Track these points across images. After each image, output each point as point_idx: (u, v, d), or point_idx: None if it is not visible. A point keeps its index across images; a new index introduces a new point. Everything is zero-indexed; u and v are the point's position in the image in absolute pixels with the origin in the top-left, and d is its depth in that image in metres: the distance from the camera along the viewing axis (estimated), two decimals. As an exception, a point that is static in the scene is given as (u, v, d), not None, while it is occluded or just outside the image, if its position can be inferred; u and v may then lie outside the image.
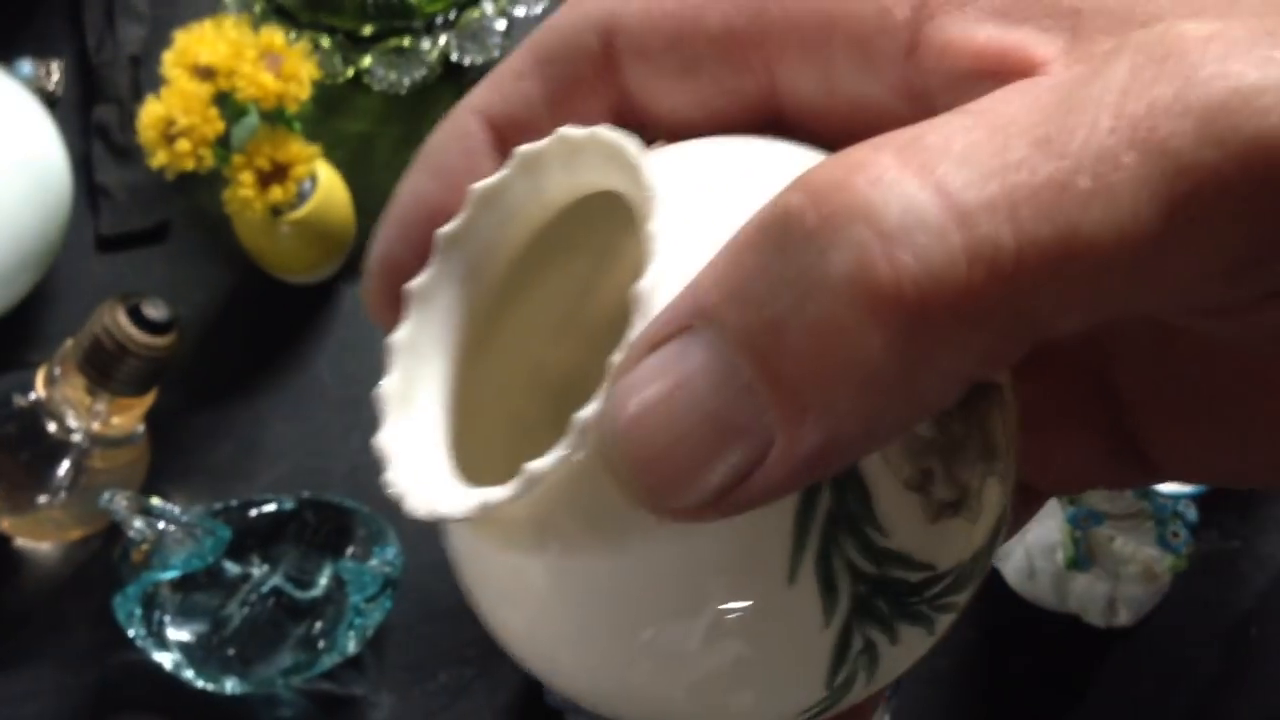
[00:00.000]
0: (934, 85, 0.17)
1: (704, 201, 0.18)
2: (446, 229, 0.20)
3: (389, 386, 0.19)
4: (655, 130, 0.21)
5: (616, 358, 0.17)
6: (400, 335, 0.19)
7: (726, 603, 0.18)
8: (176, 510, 0.53)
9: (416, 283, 0.20)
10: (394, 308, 0.20)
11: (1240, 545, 0.60)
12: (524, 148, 0.19)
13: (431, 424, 0.20)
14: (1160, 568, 0.55)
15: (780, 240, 0.15)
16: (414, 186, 0.21)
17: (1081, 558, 0.55)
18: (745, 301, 0.16)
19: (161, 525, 0.53)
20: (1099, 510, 0.54)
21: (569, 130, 0.19)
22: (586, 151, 0.19)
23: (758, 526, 0.17)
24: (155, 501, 0.54)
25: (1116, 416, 0.23)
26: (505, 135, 0.21)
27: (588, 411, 0.17)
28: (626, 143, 0.18)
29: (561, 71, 0.21)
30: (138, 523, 0.53)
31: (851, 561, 0.18)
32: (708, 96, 0.20)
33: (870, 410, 0.15)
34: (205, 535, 0.54)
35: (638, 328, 0.17)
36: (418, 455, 0.19)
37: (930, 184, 0.15)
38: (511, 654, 0.20)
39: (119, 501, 0.51)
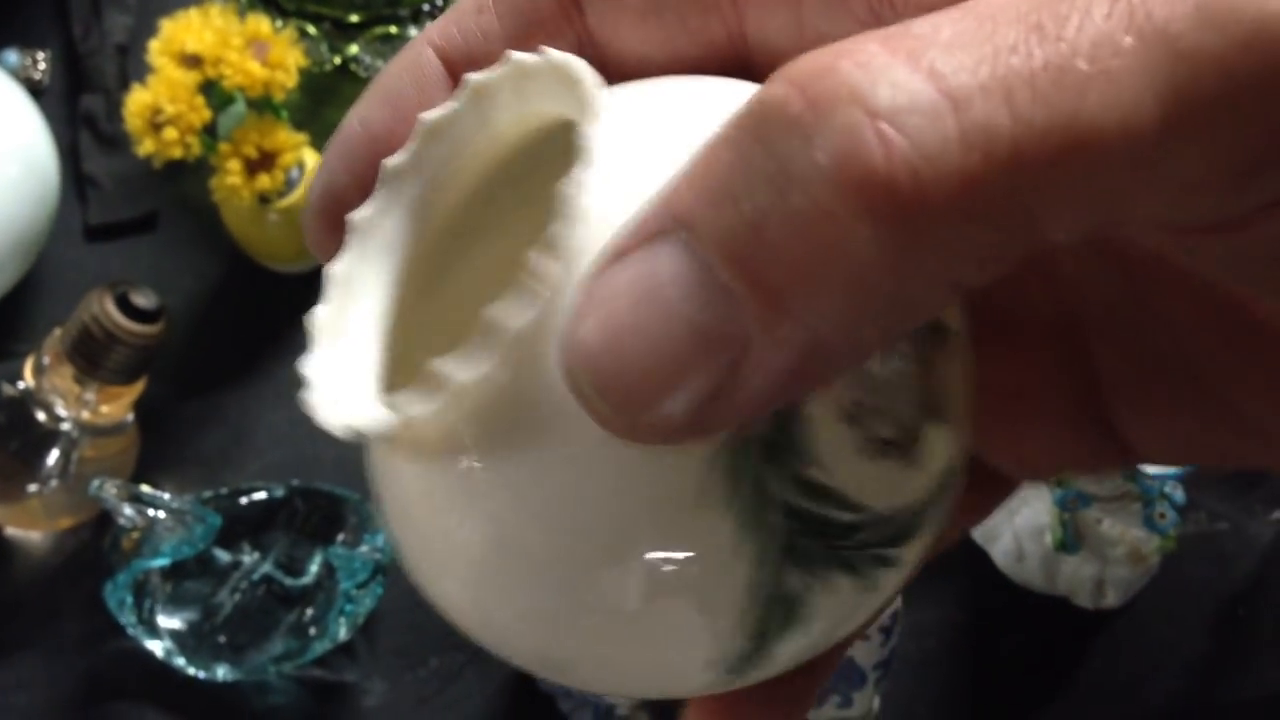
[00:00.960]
0: (908, 18, 0.16)
1: (651, 119, 0.18)
2: (393, 160, 0.19)
3: (321, 316, 0.18)
4: (617, 74, 0.20)
5: (534, 254, 0.16)
6: (339, 266, 0.19)
7: (645, 533, 0.17)
8: (167, 497, 0.53)
9: (359, 214, 0.19)
10: (335, 239, 0.19)
11: (1228, 527, 0.60)
12: (474, 76, 0.18)
13: (363, 355, 0.19)
14: (1148, 549, 0.55)
15: (760, 131, 0.14)
16: (362, 115, 0.20)
17: (1069, 540, 0.55)
18: (722, 199, 0.14)
19: (152, 513, 0.53)
20: (1087, 492, 0.54)
21: (520, 55, 0.18)
22: (538, 76, 0.18)
23: (682, 451, 0.16)
24: (145, 489, 0.54)
25: (1090, 396, 0.23)
26: (460, 70, 0.20)
27: (501, 312, 0.16)
28: (576, 62, 0.17)
29: (522, 7, 0.20)
30: (128, 510, 0.53)
31: (779, 494, 0.17)
32: (672, 36, 0.19)
33: (856, 314, 0.14)
34: (196, 523, 0.54)
35: (558, 229, 0.16)
36: (344, 381, 0.18)
37: (921, 68, 0.14)
38: (423, 588, 0.19)
39: (109, 489, 0.51)
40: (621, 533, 0.17)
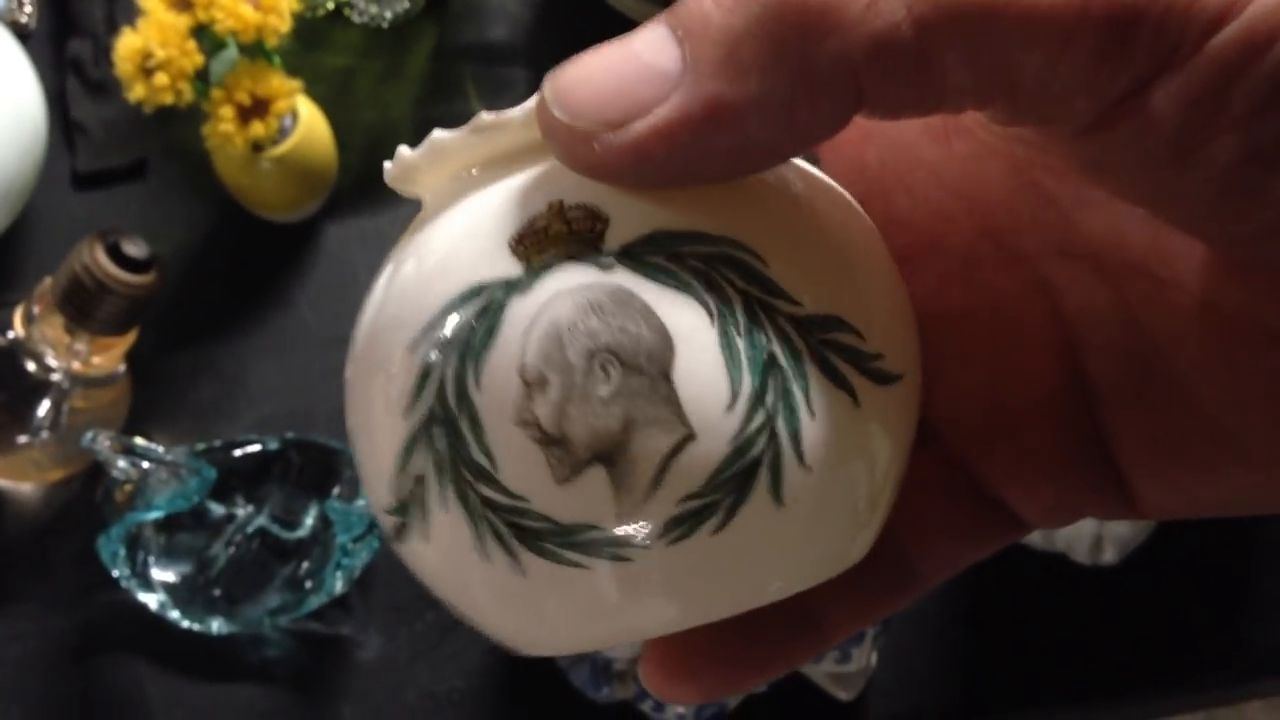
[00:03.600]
0: None
1: None
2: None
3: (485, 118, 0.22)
4: None
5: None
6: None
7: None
8: (161, 450, 0.53)
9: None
10: None
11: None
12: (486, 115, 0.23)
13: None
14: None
15: None
16: None
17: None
18: (696, 4, 0.19)
19: (146, 465, 0.52)
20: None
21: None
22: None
23: None
24: (139, 442, 0.53)
25: (1098, 443, 0.24)
26: None
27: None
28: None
29: None
30: (121, 463, 0.52)
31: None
32: None
33: (765, 83, 0.19)
34: (190, 475, 0.53)
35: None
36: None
37: None
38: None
39: (102, 441, 0.51)
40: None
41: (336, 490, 0.58)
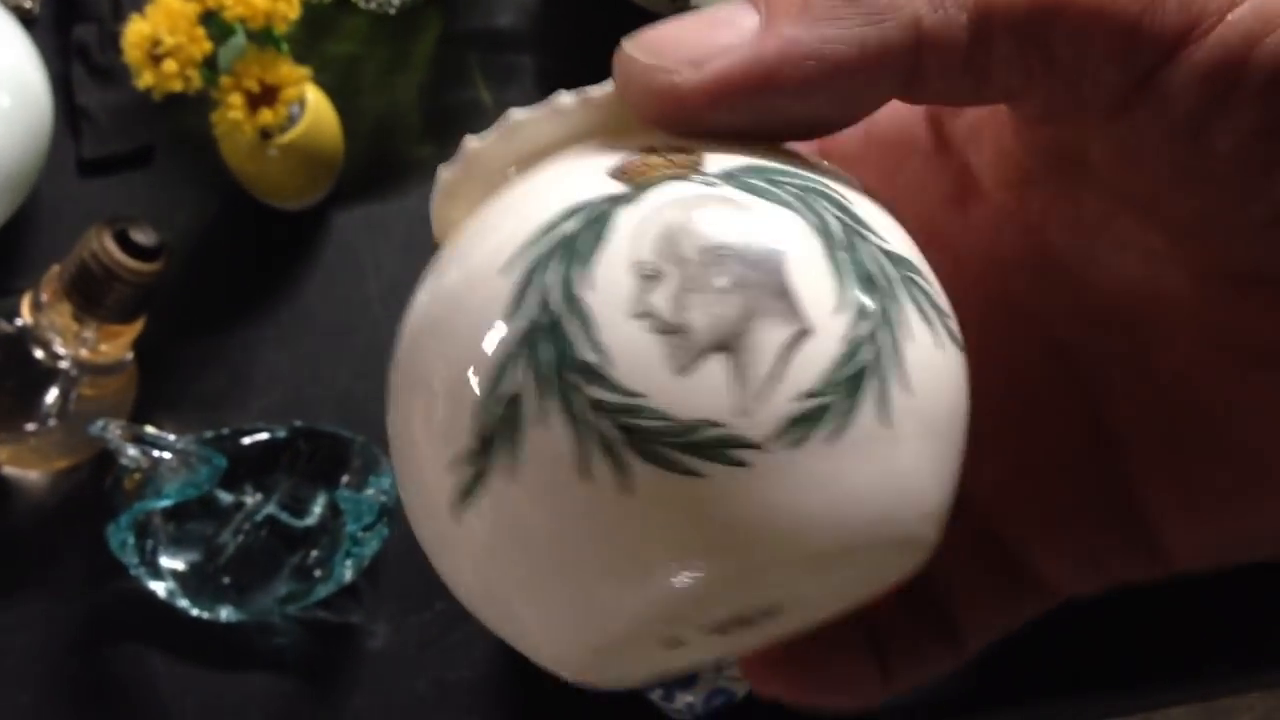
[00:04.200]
0: None
1: None
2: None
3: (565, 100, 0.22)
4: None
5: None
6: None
7: None
8: (171, 438, 0.53)
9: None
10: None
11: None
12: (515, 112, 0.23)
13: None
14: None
15: None
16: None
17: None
18: None
19: (156, 454, 0.52)
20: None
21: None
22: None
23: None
24: (149, 430, 0.53)
25: (1131, 505, 0.24)
26: None
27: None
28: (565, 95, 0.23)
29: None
30: (131, 451, 0.52)
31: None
32: None
33: (836, 28, 0.21)
34: (201, 464, 0.53)
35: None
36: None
37: None
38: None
39: (112, 430, 0.51)
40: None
41: (345, 479, 0.58)
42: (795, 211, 0.20)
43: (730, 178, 0.20)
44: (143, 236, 0.55)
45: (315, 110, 0.62)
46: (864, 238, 0.21)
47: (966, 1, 0.20)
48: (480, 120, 0.68)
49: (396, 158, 0.68)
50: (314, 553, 0.58)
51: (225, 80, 0.57)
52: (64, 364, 0.57)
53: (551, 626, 0.21)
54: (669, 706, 0.55)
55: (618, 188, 0.20)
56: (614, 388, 0.19)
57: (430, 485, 0.20)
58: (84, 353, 0.57)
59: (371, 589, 0.59)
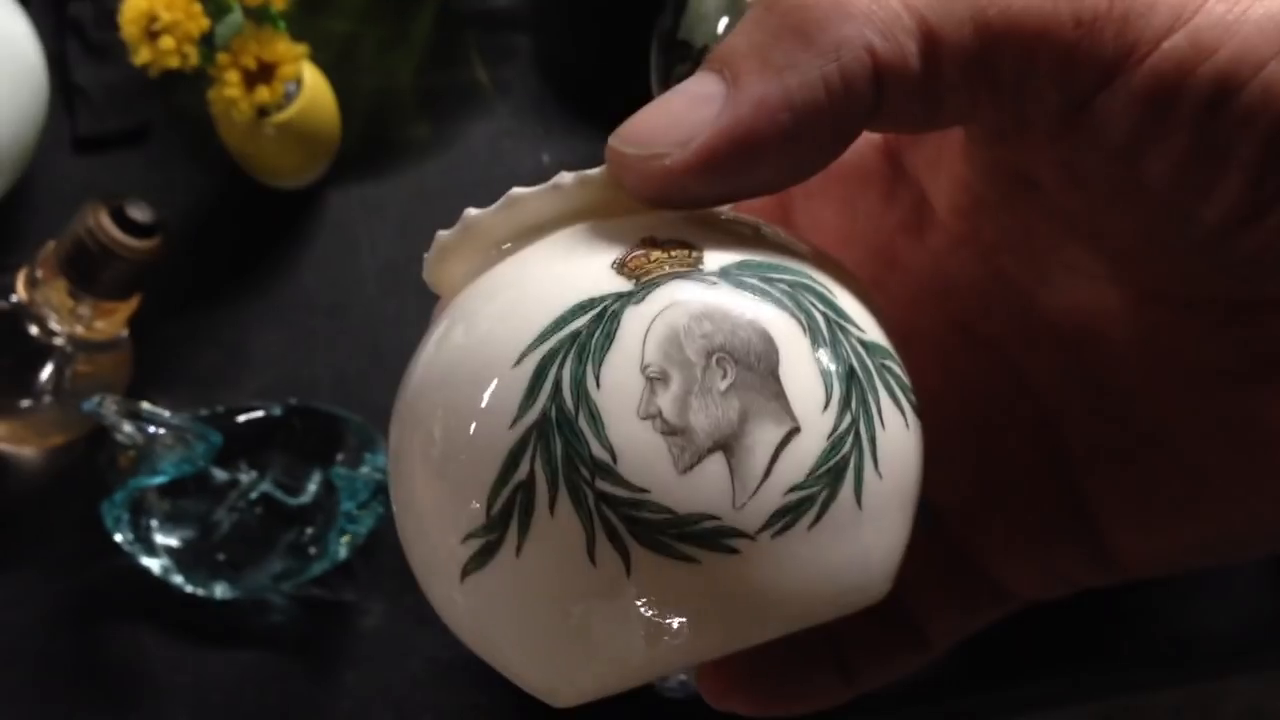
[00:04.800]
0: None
1: None
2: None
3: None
4: None
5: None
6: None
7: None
8: (167, 415, 0.53)
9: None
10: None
11: None
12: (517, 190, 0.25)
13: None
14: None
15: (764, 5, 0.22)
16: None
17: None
18: (740, 38, 0.22)
19: (151, 430, 0.52)
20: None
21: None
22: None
23: None
24: (145, 406, 0.53)
25: (1085, 515, 0.26)
26: None
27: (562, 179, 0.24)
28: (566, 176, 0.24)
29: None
30: (127, 427, 0.52)
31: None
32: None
33: (797, 75, 0.22)
34: (196, 440, 0.53)
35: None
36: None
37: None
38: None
39: (108, 406, 0.50)
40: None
41: (340, 457, 0.58)
42: (787, 311, 0.22)
43: (727, 275, 0.22)
44: (139, 213, 0.55)
45: (312, 89, 0.62)
46: (845, 331, 0.23)
47: (914, 29, 0.22)
48: (477, 100, 0.68)
49: (393, 137, 0.68)
50: (309, 530, 0.58)
51: (222, 57, 0.57)
52: (59, 340, 0.57)
53: (547, 678, 0.23)
54: (663, 685, 0.55)
55: (623, 284, 0.22)
56: (621, 483, 0.21)
57: (439, 550, 0.23)
58: (79, 329, 0.57)
59: (366, 567, 0.59)
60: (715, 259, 0.23)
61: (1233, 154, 0.21)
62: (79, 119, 0.68)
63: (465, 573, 0.22)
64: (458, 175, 0.67)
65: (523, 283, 0.23)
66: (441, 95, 0.68)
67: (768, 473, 0.21)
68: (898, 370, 0.23)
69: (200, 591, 0.57)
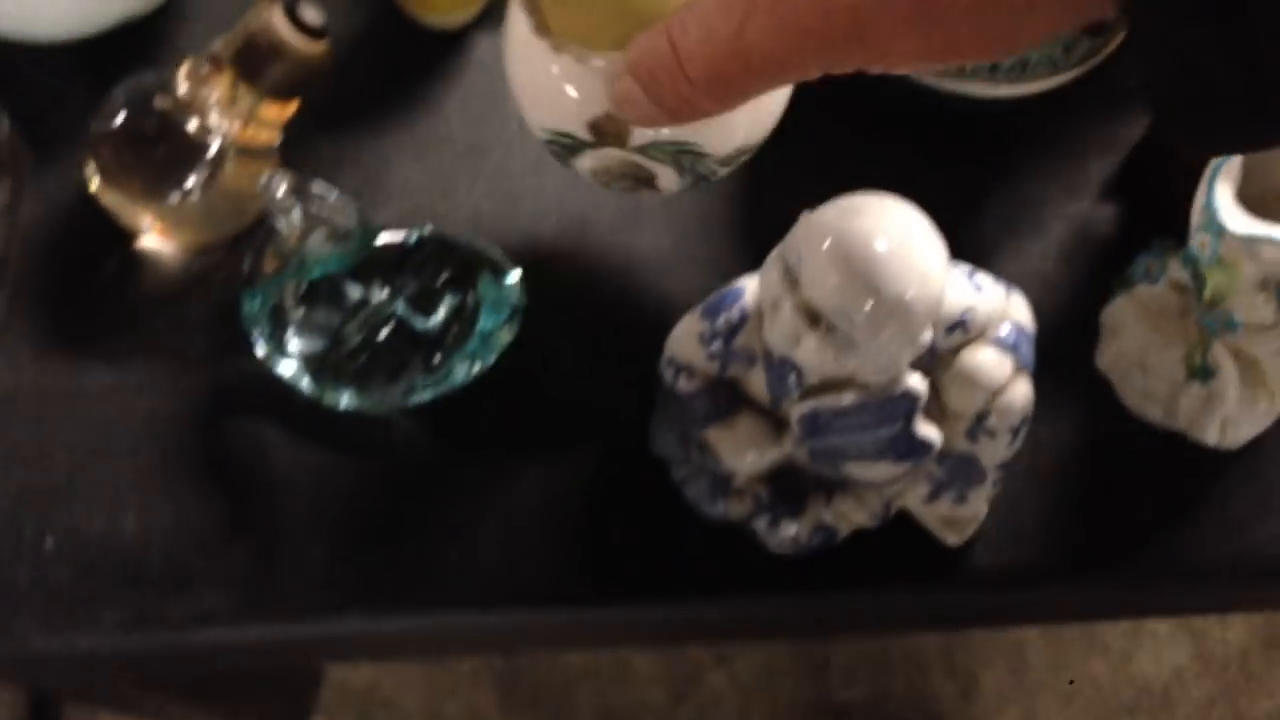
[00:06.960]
0: None
1: None
2: None
3: None
4: None
5: None
6: None
7: None
8: (335, 193, 0.53)
9: None
10: None
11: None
12: None
13: None
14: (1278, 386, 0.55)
15: None
16: None
17: (1205, 367, 0.55)
18: None
19: (315, 212, 0.53)
20: (1235, 319, 0.54)
21: None
22: None
23: None
24: (318, 182, 0.53)
25: None
26: None
27: None
28: None
29: None
30: (295, 212, 0.52)
31: None
32: None
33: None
34: (355, 229, 0.54)
35: None
36: None
37: None
38: None
39: (279, 183, 0.51)
40: None
41: (473, 284, 0.59)
42: None
43: None
44: (312, 14, 0.55)
45: (479, -75, 0.63)
46: None
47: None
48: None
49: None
50: (437, 354, 0.59)
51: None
52: (215, 139, 0.58)
53: None
54: (773, 537, 0.56)
55: None
56: None
57: None
58: (238, 125, 0.58)
59: (491, 399, 0.60)
60: None
61: None
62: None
63: None
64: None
65: None
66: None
67: None
68: None
69: (325, 398, 0.58)
